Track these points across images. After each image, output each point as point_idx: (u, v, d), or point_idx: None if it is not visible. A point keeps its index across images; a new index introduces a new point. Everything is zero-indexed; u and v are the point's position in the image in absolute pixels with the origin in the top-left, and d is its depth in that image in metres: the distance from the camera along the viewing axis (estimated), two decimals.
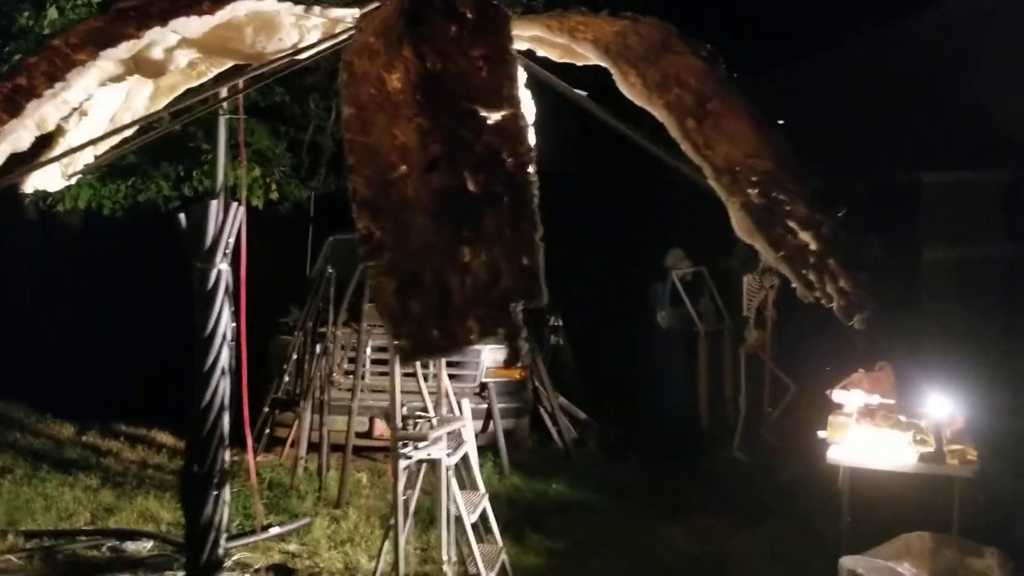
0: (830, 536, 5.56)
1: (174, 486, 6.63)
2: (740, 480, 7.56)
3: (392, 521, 4.78)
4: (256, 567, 5.58)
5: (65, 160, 3.64)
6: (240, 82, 4.62)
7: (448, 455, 5.03)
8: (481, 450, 7.95)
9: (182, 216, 4.62)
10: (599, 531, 6.38)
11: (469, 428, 7.77)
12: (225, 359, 4.71)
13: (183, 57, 3.38)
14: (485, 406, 7.99)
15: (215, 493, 4.88)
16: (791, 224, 3.01)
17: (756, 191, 3.01)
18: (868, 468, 5.51)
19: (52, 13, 8.15)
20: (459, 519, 5.01)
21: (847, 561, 4.88)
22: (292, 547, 5.89)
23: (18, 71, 3.22)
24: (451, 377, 7.91)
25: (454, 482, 5.02)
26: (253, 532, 5.88)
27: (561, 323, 10.18)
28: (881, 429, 5.68)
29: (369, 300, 7.52)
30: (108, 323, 10.26)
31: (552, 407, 8.57)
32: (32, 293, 10.96)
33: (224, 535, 4.99)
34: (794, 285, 3.04)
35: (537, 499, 7.17)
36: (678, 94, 3.19)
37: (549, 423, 8.61)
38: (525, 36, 3.48)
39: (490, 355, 8.04)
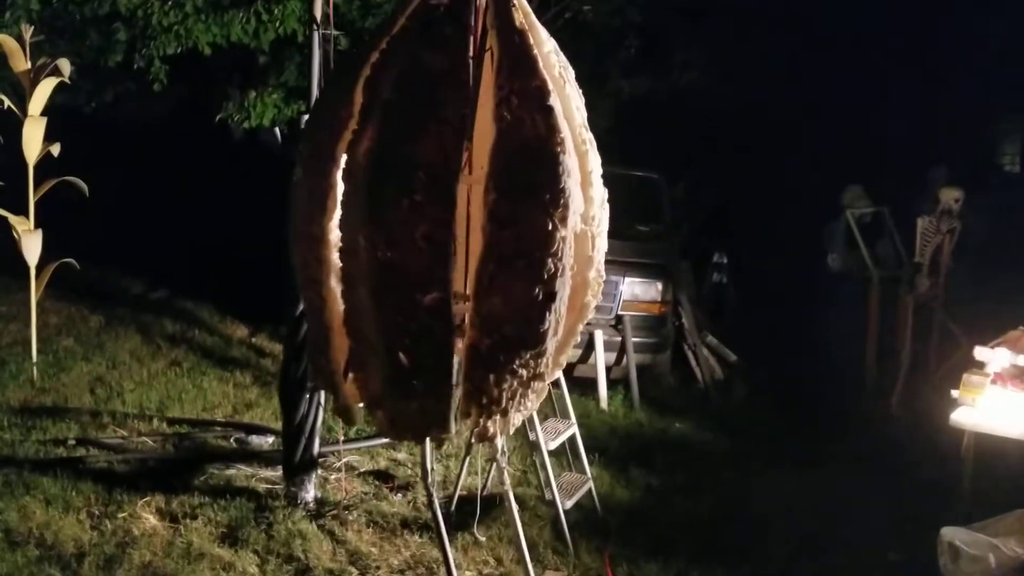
0: (950, 504, 5.10)
1: None
2: (886, 437, 7.04)
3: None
4: (361, 471, 5.84)
5: None
6: None
7: None
8: (614, 383, 7.90)
9: (277, 130, 4.79)
10: (705, 473, 6.17)
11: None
12: None
13: None
14: (620, 339, 7.84)
15: (308, 395, 5.15)
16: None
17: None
18: (997, 434, 4.96)
19: None
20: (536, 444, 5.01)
21: (947, 532, 4.47)
22: (401, 455, 6.10)
23: None
24: None
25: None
26: (370, 437, 6.14)
27: (726, 260, 9.79)
28: (1020, 393, 5.07)
29: None
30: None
31: (695, 345, 8.29)
32: (237, 210, 11.72)
33: (318, 435, 5.27)
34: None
35: (656, 436, 7.01)
36: None
37: (693, 362, 8.35)
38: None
39: (628, 287, 7.85)
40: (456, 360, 3.61)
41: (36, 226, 6.98)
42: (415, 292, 3.48)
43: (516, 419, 3.90)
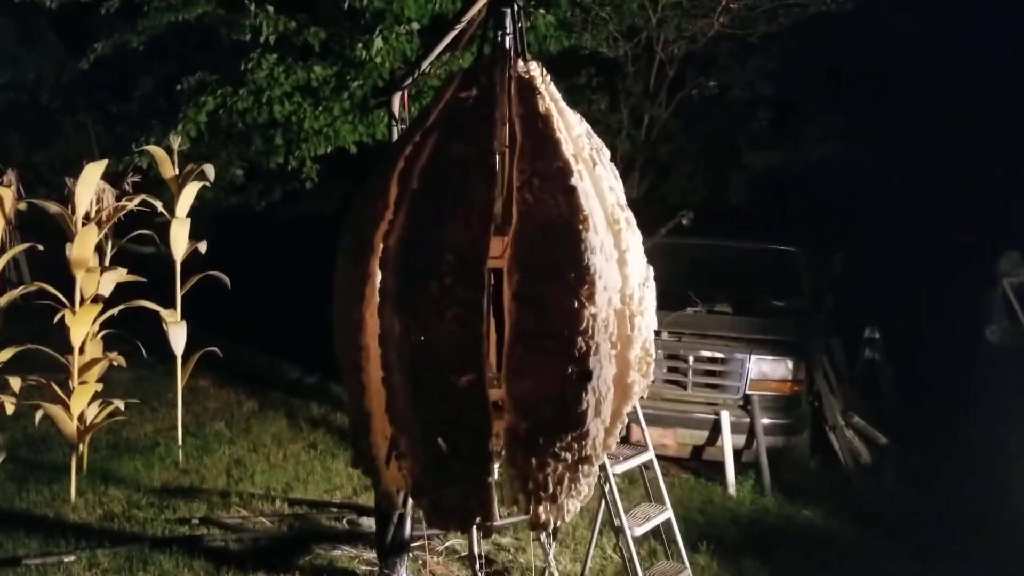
0: None
1: None
2: None
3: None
4: (462, 554, 5.83)
5: None
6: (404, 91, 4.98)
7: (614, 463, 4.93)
8: (745, 468, 7.53)
9: None
10: (829, 567, 5.73)
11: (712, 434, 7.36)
12: None
13: None
14: (748, 420, 7.49)
15: None
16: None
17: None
18: None
19: (378, 42, 9.16)
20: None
21: None
22: (505, 539, 6.05)
23: None
24: (711, 386, 7.65)
25: (615, 491, 4.86)
26: None
27: (878, 336, 9.21)
28: None
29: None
30: None
31: (835, 426, 7.79)
32: None
33: (409, 517, 5.32)
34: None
35: (782, 525, 6.60)
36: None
37: (836, 445, 7.84)
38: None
39: (755, 365, 7.52)
40: (496, 444, 3.59)
41: (183, 318, 7.54)
42: (449, 375, 3.51)
43: (570, 505, 3.80)
